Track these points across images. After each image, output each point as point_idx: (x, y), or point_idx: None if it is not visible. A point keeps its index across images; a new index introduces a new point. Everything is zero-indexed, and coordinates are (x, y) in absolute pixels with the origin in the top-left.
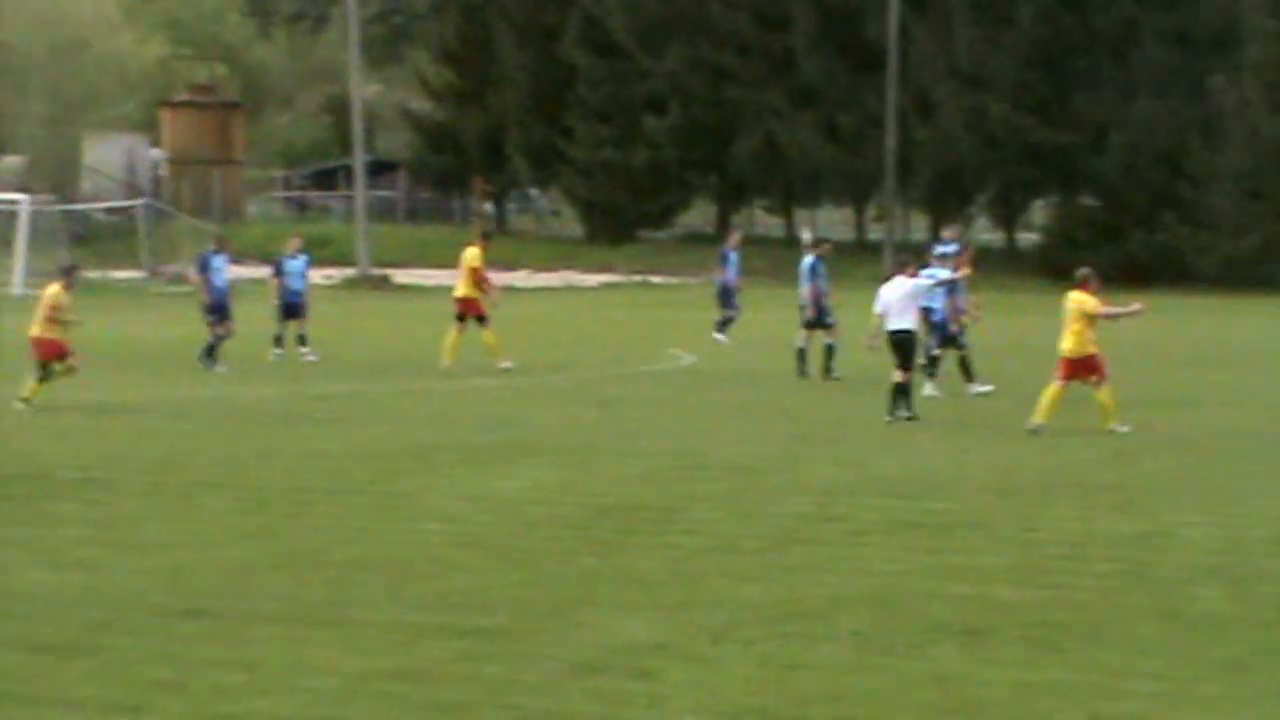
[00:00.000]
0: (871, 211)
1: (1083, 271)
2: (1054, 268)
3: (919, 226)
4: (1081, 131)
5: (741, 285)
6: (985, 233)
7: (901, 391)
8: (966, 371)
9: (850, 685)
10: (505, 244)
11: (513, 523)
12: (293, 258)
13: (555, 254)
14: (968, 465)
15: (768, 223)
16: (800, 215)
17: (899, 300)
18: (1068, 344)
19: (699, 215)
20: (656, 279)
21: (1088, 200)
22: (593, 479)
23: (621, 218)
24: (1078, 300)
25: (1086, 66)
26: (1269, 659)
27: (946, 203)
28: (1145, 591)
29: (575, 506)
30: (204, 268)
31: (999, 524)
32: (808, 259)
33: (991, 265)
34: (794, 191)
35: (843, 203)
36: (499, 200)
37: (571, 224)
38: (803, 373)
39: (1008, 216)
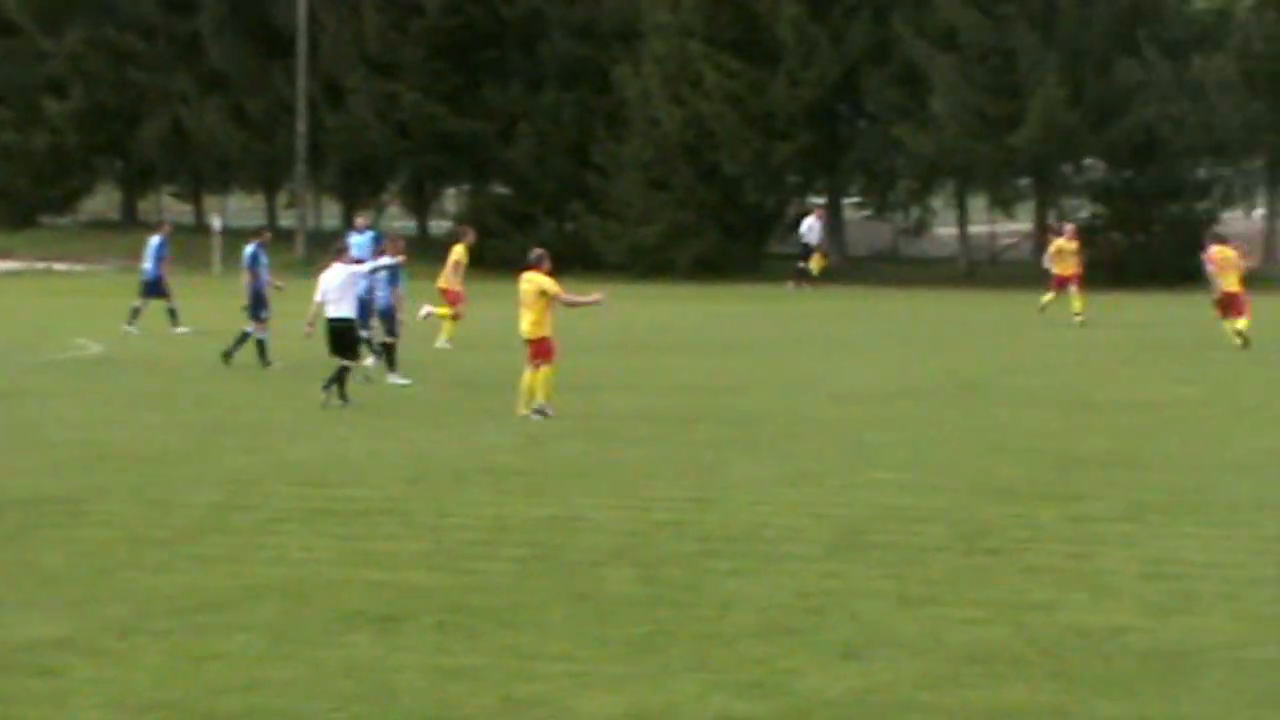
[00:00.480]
0: (282, 199)
1: (536, 252)
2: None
3: (331, 214)
4: (492, 121)
5: (165, 274)
6: (398, 220)
7: (339, 379)
8: (390, 361)
9: (263, 675)
10: None
11: None
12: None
13: None
14: (384, 452)
15: (177, 209)
16: (210, 202)
17: (337, 288)
18: (525, 326)
19: (104, 201)
20: (60, 266)
21: (499, 189)
22: None
23: (21, 203)
24: (536, 281)
25: (495, 57)
26: (673, 638)
27: (359, 190)
28: (556, 574)
29: None
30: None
31: (414, 510)
32: (249, 247)
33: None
34: (203, 177)
35: (254, 189)
36: None
37: None
38: (265, 363)
39: (420, 204)
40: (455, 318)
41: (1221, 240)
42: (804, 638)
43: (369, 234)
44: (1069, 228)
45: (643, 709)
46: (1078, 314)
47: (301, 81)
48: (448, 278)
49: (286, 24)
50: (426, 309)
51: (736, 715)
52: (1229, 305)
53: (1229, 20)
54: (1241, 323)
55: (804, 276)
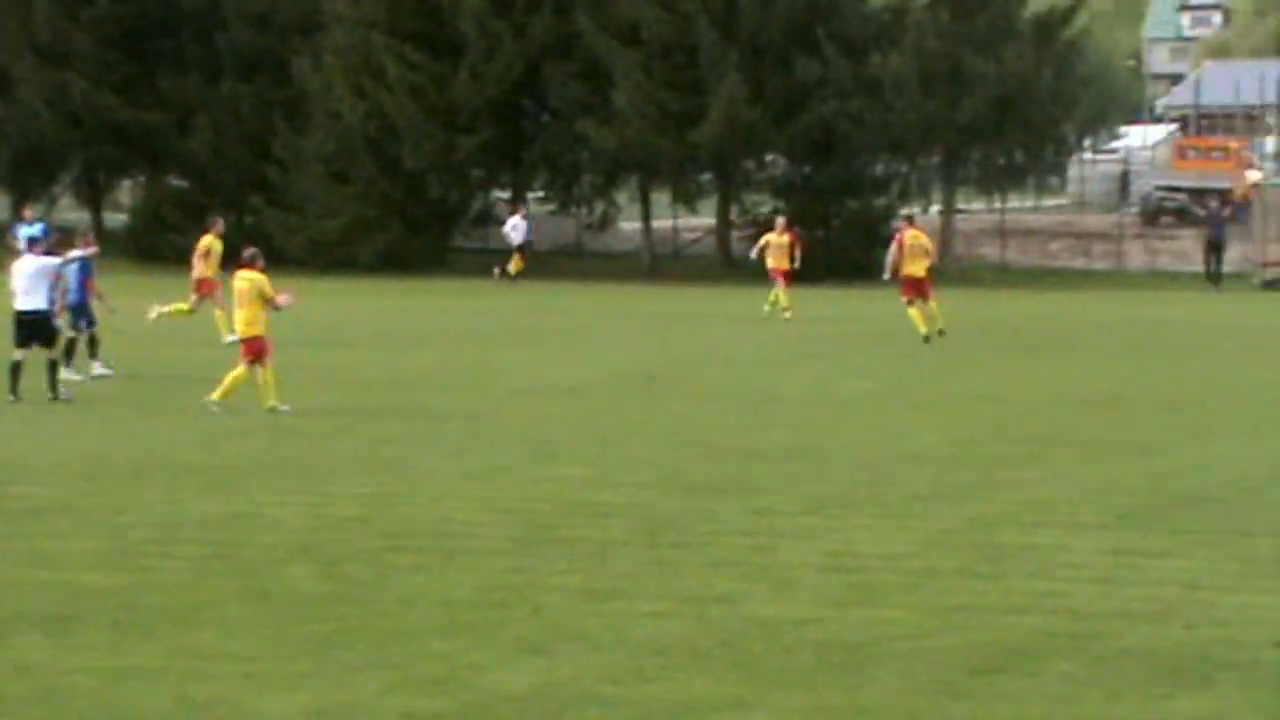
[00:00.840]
0: None
1: (250, 251)
2: (142, 248)
3: (1, 205)
4: (168, 111)
5: None
6: (70, 211)
7: (52, 372)
8: (69, 354)
9: None
10: None
11: None
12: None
13: None
14: (59, 449)
15: None
16: None
17: (28, 279)
18: (241, 324)
19: None
20: None
21: (177, 181)
22: None
23: None
24: (252, 280)
25: (171, 47)
26: (356, 635)
27: (30, 181)
28: (235, 573)
29: None
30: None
31: (88, 508)
32: None
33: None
34: None
35: None
36: None
37: None
38: None
39: (94, 196)
40: (192, 311)
41: (912, 224)
42: (487, 633)
43: (38, 225)
44: (780, 221)
45: (323, 707)
46: (785, 309)
47: None
48: (200, 268)
49: None
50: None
51: (418, 712)
52: (915, 289)
53: (905, 19)
54: (933, 304)
55: (505, 274)
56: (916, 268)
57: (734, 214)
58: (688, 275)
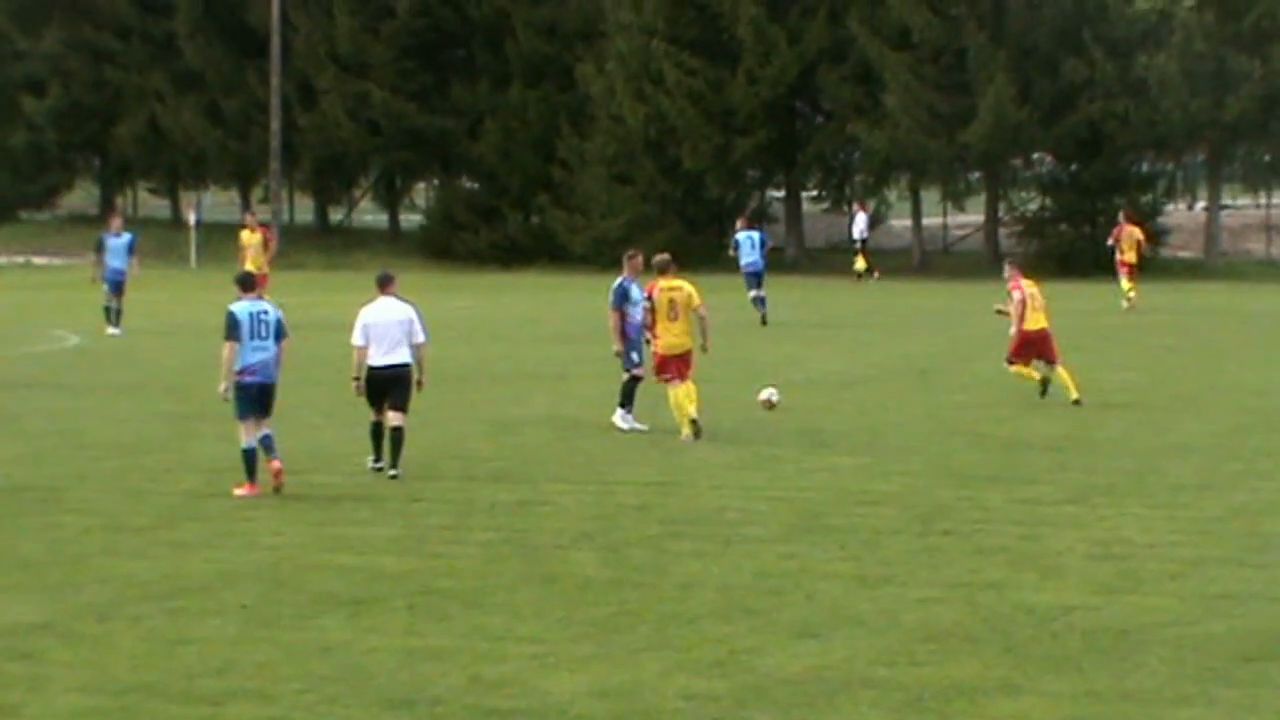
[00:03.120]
0: (257, 194)
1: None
2: (436, 248)
3: (305, 209)
4: (459, 117)
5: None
6: (369, 214)
7: None
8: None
9: (238, 658)
10: None
11: None
12: (116, 235)
13: None
14: (356, 439)
15: (153, 204)
16: (185, 197)
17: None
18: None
19: (84, 196)
20: (40, 260)
21: (467, 183)
22: None
23: (1, 199)
24: (687, 290)
25: (463, 56)
26: (637, 619)
27: (331, 186)
28: (523, 558)
29: None
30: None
31: (385, 496)
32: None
33: (376, 246)
34: (179, 174)
35: (228, 185)
36: None
37: None
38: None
39: (391, 199)
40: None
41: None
42: (763, 617)
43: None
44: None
45: (607, 688)
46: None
47: (275, 81)
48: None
49: (260, 25)
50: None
51: (698, 693)
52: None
53: (1171, 20)
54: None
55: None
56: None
57: (1002, 211)
58: (957, 271)
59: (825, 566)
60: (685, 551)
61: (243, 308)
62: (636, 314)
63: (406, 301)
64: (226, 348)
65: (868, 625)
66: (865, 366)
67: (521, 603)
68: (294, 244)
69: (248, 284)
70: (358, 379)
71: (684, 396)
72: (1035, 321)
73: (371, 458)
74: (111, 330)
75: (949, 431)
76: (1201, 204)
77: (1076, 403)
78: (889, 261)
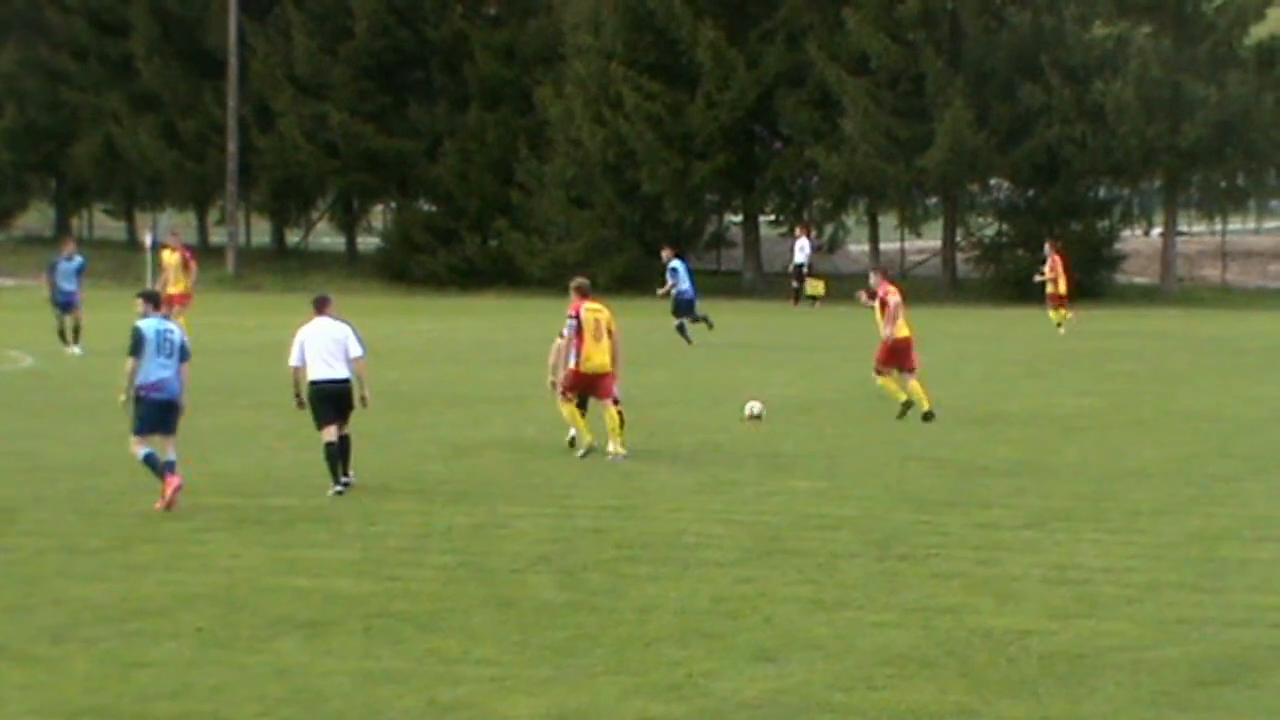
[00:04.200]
0: (214, 216)
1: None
2: (393, 270)
3: (261, 230)
4: (418, 140)
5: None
6: (326, 236)
7: None
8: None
9: (193, 680)
10: None
11: None
12: (68, 259)
13: None
14: (311, 462)
15: (109, 225)
16: (141, 219)
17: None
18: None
19: (39, 218)
20: None
21: (425, 205)
22: None
23: None
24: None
25: (421, 78)
26: (594, 642)
27: (288, 208)
28: (480, 581)
29: None
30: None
31: (342, 518)
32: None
33: (333, 269)
34: (135, 195)
35: (185, 207)
36: None
37: None
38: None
39: (349, 221)
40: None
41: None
42: (720, 641)
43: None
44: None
45: (564, 712)
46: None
47: (232, 102)
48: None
49: (218, 46)
50: None
51: (655, 717)
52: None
53: (1127, 46)
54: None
55: (800, 298)
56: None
57: (959, 236)
58: (914, 295)
59: (783, 590)
60: (643, 575)
61: (149, 325)
62: None
63: (343, 320)
64: (129, 362)
65: (825, 649)
66: (823, 390)
67: (478, 626)
68: (250, 266)
69: (154, 301)
70: (299, 395)
71: (613, 417)
72: (902, 329)
73: (332, 484)
74: (72, 349)
75: (906, 456)
76: (1158, 230)
77: (928, 416)
78: (846, 286)
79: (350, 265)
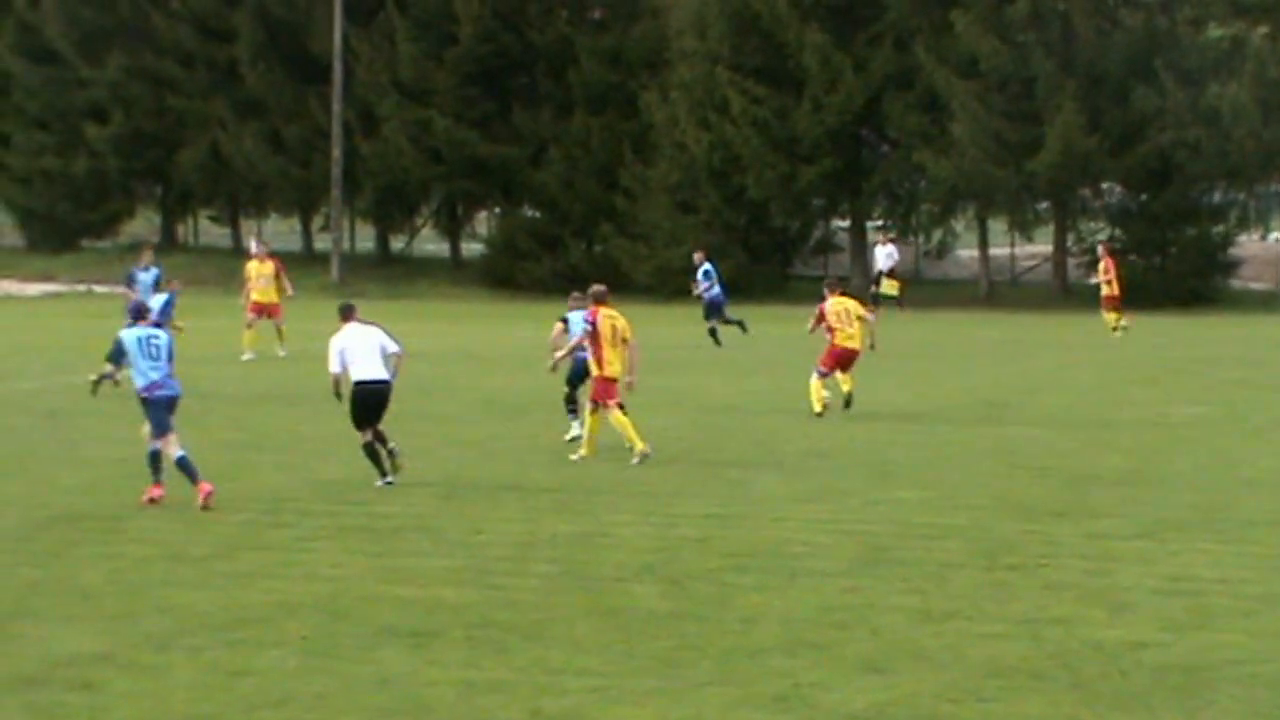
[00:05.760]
0: (317, 222)
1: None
2: (497, 277)
3: (366, 236)
4: (522, 145)
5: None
6: (430, 243)
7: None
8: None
9: (297, 690)
10: None
11: None
12: (145, 269)
13: None
14: (415, 470)
15: (214, 232)
16: (246, 225)
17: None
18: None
19: (145, 224)
20: (100, 288)
21: (530, 212)
22: (34, 489)
23: (63, 226)
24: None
25: (526, 83)
26: (699, 653)
27: (392, 214)
28: (584, 590)
29: (15, 518)
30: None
31: (445, 527)
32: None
33: (438, 275)
34: (240, 202)
35: (289, 213)
36: None
37: (10, 233)
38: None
39: (453, 228)
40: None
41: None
42: (827, 652)
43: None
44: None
45: None
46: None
47: (337, 108)
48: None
49: (322, 51)
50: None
51: None
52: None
53: (1243, 48)
54: (846, 383)
55: (878, 300)
56: (849, 337)
57: (1070, 241)
58: (1024, 302)
59: (890, 600)
60: (748, 585)
61: (131, 334)
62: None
63: (371, 324)
64: (108, 367)
65: (933, 661)
66: (930, 399)
67: (582, 635)
68: (355, 272)
69: (139, 314)
70: (340, 395)
71: (621, 420)
72: (852, 341)
73: (379, 476)
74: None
75: (1015, 465)
76: (1275, 235)
77: (848, 403)
78: (955, 292)
79: (454, 272)
